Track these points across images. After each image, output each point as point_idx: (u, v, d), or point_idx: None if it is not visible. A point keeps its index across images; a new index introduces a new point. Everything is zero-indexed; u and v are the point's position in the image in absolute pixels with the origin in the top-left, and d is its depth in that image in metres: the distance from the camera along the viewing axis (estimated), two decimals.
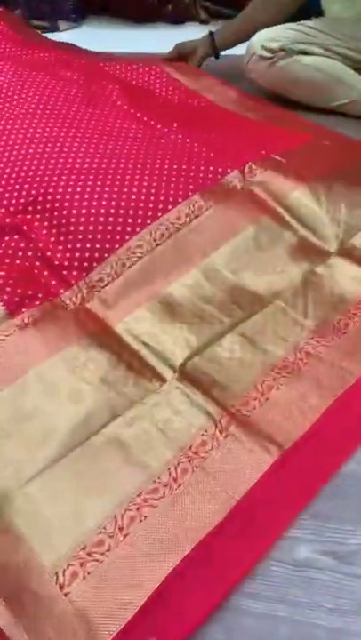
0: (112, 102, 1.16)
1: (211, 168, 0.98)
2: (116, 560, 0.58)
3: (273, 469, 0.64)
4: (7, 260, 0.86)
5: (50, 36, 1.89)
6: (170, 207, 0.91)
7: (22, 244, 0.88)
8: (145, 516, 0.61)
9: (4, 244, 0.88)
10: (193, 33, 1.54)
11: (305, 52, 1.36)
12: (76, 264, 0.86)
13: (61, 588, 0.56)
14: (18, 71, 1.20)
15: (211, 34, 1.48)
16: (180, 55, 1.52)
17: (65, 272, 0.86)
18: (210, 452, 0.66)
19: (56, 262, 0.86)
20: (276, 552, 0.60)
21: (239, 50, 1.46)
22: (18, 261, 0.86)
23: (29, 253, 0.87)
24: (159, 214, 0.90)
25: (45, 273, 0.85)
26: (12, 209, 0.93)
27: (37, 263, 0.86)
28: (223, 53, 1.50)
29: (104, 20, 2.16)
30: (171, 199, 0.92)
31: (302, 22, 1.39)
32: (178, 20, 2.06)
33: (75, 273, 0.85)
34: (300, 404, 0.71)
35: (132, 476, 0.64)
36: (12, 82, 1.16)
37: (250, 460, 0.65)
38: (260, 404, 0.71)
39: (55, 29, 2.07)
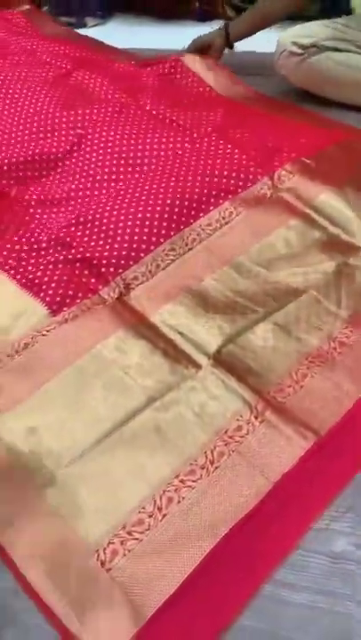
0: (145, 110, 1.18)
1: (242, 175, 1.02)
2: (156, 539, 0.60)
3: (309, 455, 0.65)
4: (50, 267, 0.90)
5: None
6: (201, 214, 0.96)
7: (64, 252, 0.93)
8: (183, 497, 0.62)
9: (49, 256, 0.93)
10: None
11: (336, 49, 1.36)
12: (113, 261, 0.90)
13: (102, 564, 0.58)
14: (51, 93, 1.22)
15: (226, 25, 1.48)
16: (197, 49, 1.51)
17: (103, 269, 0.89)
18: (246, 437, 0.67)
19: (95, 262, 0.91)
20: (313, 544, 0.60)
21: (268, 47, 1.46)
22: (60, 265, 0.90)
23: (70, 257, 0.92)
24: (191, 221, 0.96)
25: (86, 272, 0.89)
26: (59, 227, 0.98)
27: (78, 264, 0.91)
28: (248, 48, 1.50)
29: (130, 16, 2.18)
30: (203, 206, 0.98)
31: (334, 20, 1.40)
32: (205, 17, 2.07)
33: (112, 270, 0.89)
34: (334, 393, 0.72)
35: (168, 459, 0.66)
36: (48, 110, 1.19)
37: (286, 444, 0.66)
38: (294, 392, 0.72)
39: (82, 25, 2.09)
